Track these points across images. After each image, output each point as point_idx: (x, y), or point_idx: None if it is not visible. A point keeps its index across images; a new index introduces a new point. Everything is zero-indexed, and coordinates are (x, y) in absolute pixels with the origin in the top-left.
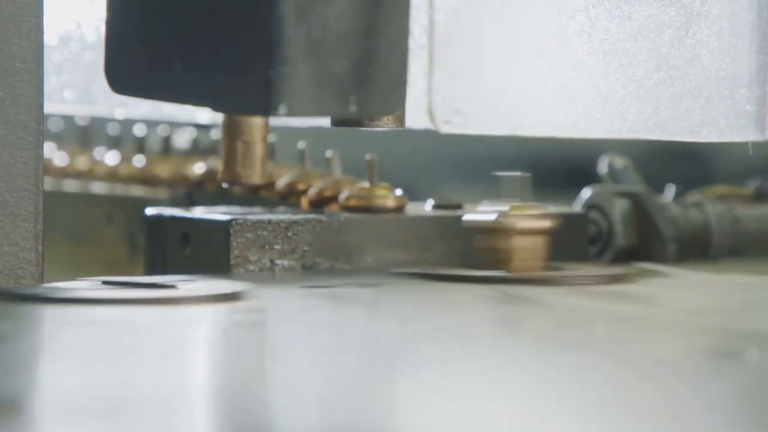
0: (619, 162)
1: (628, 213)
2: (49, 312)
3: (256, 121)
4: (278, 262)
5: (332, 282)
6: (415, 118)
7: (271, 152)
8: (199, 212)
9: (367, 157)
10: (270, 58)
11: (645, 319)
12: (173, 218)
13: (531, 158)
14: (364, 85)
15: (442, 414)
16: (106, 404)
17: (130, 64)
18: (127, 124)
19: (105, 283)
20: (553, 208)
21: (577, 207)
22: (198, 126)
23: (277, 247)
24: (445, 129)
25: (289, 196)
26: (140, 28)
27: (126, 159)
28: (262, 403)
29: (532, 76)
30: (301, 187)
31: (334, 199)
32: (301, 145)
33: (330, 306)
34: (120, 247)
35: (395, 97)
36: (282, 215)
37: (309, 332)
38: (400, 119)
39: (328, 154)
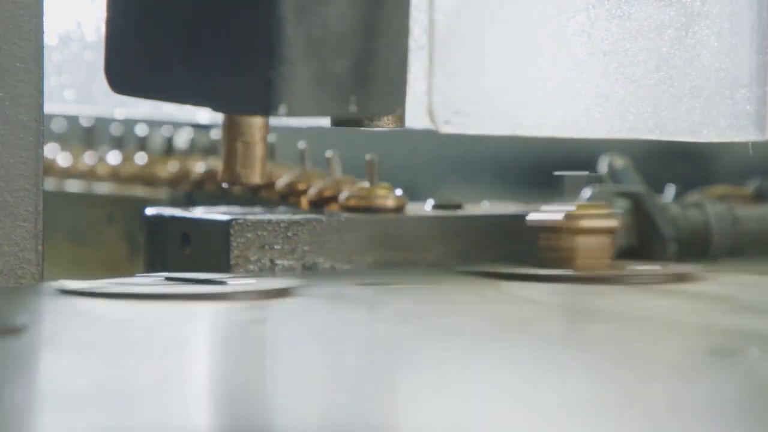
0: (619, 162)
1: (628, 213)
2: (113, 307)
3: (256, 121)
4: (278, 262)
5: (384, 279)
6: (415, 118)
7: (271, 152)
8: (199, 212)
9: (367, 157)
10: (270, 58)
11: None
12: (173, 218)
13: (531, 158)
14: (364, 85)
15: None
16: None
17: (130, 64)
18: (129, 124)
19: (168, 279)
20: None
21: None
22: (198, 126)
23: (277, 247)
24: (445, 129)
25: (289, 196)
26: (140, 28)
27: (128, 159)
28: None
29: (532, 76)
30: (301, 187)
31: (334, 199)
32: (301, 145)
33: (397, 304)
34: (120, 247)
35: (395, 97)
36: (282, 215)
37: (369, 326)
38: (400, 119)
39: (328, 154)
